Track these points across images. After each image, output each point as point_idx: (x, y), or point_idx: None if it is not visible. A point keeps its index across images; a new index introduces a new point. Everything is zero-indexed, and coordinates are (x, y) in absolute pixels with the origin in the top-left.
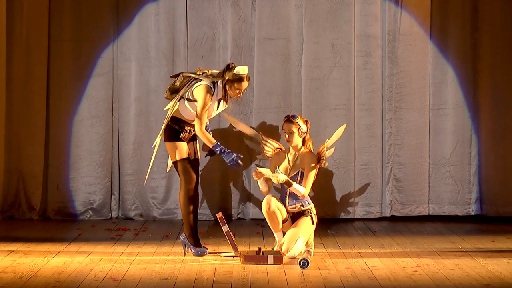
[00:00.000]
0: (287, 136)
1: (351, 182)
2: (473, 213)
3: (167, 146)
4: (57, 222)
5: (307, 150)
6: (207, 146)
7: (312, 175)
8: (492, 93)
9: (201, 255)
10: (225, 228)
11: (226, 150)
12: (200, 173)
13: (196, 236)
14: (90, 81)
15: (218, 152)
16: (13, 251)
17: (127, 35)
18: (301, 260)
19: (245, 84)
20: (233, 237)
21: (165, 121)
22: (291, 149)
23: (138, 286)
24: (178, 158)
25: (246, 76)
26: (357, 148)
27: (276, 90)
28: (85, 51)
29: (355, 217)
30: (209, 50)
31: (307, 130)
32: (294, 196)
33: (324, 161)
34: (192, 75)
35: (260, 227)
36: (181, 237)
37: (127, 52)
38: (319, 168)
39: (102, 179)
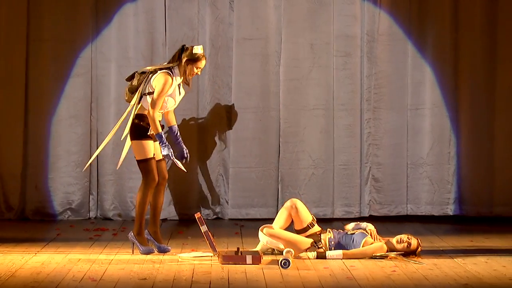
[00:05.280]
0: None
1: (330, 182)
2: (451, 213)
3: (133, 144)
4: (36, 222)
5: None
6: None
7: (366, 250)
8: (471, 94)
9: (148, 253)
10: (204, 228)
11: (165, 143)
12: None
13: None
14: (69, 81)
15: (159, 141)
16: None
17: (106, 35)
18: (282, 260)
19: (203, 63)
20: (211, 237)
21: (130, 120)
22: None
23: (117, 286)
24: (142, 157)
25: (203, 54)
26: (336, 148)
27: (255, 90)
28: (64, 51)
29: (334, 217)
30: None
31: (401, 248)
32: (340, 244)
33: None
34: (148, 68)
35: (238, 227)
36: (130, 235)
37: (106, 52)
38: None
39: (81, 179)
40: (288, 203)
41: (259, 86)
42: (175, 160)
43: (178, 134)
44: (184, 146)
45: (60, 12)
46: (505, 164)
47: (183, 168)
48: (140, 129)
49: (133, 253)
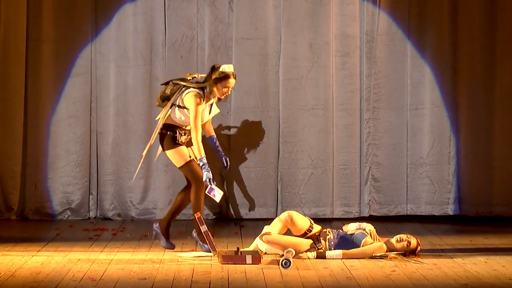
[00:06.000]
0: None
1: (330, 182)
2: (451, 213)
3: (168, 154)
4: (35, 222)
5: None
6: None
7: (366, 250)
8: (470, 93)
9: (209, 251)
10: (204, 228)
11: (207, 167)
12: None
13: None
14: (69, 81)
15: (200, 164)
16: None
17: (106, 35)
18: (283, 260)
19: (232, 81)
20: (211, 237)
21: (157, 129)
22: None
23: (116, 286)
24: (182, 163)
25: (232, 73)
26: (336, 148)
27: (254, 90)
28: (64, 51)
29: (334, 217)
30: (188, 51)
31: (401, 247)
32: (340, 245)
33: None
34: (182, 83)
35: (238, 227)
36: (194, 234)
37: (106, 52)
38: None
39: (80, 179)
40: (284, 216)
41: (258, 86)
42: (213, 186)
43: (218, 143)
44: (223, 155)
45: (60, 12)
46: (504, 164)
47: (217, 198)
48: (169, 138)
49: (196, 249)
